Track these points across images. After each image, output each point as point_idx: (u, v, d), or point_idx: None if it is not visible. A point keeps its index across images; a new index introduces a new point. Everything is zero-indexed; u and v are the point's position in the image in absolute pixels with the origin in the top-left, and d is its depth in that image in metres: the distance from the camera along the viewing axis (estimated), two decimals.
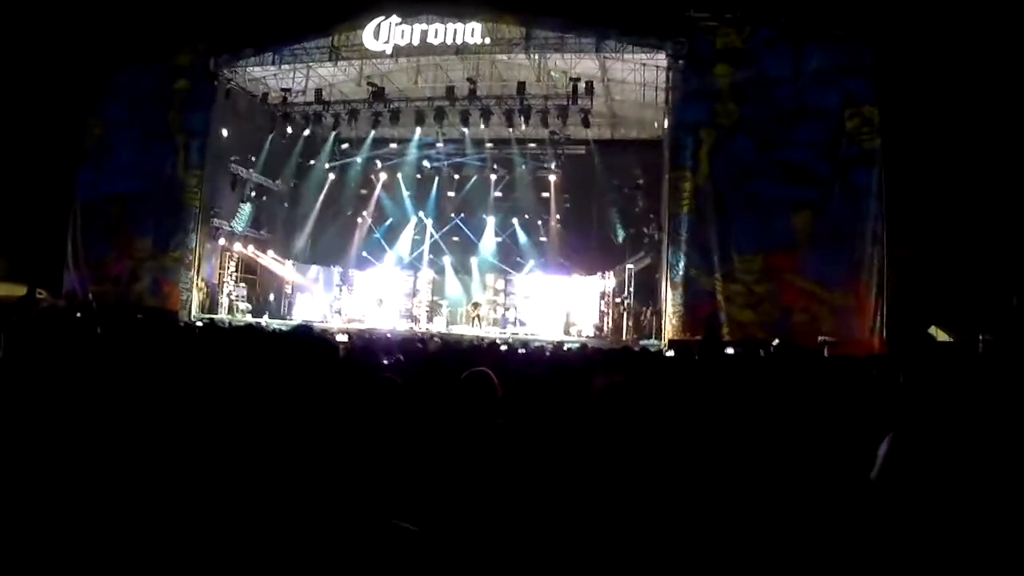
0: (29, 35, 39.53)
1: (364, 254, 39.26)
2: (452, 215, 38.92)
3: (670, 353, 19.19)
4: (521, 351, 17.08)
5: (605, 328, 32.97)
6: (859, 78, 26.27)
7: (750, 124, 26.93)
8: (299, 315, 35.67)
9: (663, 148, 29.82)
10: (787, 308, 25.80)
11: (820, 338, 24.18)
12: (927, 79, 27.55)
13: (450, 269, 38.26)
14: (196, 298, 32.18)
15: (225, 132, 33.68)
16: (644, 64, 30.34)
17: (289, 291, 37.64)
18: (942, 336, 27.71)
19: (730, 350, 21.34)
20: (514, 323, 34.97)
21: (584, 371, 8.47)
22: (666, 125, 29.37)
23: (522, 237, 38.00)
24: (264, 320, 32.21)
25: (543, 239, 37.55)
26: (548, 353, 15.65)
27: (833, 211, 25.78)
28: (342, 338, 15.13)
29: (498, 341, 22.32)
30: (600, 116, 33.75)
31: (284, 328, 18.29)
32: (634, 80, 31.59)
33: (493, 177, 37.69)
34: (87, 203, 34.16)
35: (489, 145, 36.66)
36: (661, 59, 29.30)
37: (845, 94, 26.21)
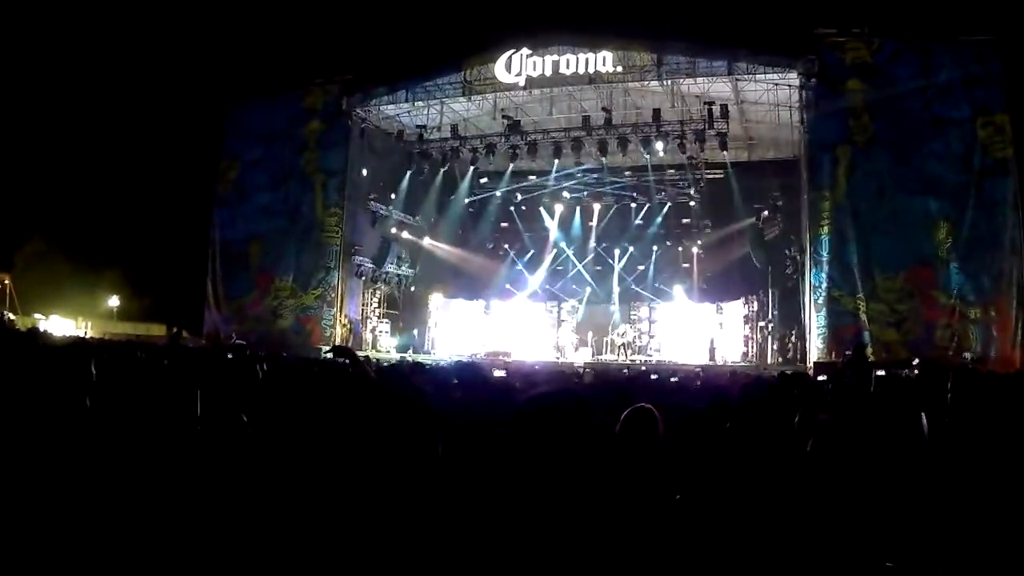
0: (161, 75, 41.47)
1: (507, 286, 39.85)
2: (594, 244, 39.33)
3: (821, 377, 19.20)
4: (673, 379, 17.39)
5: (751, 353, 32.97)
6: (989, 86, 26.39)
7: (884, 138, 27.15)
8: (443, 349, 36.35)
9: (800, 168, 29.84)
10: (930, 324, 25.83)
11: (964, 355, 23.86)
12: None
13: (593, 298, 38.61)
14: (339, 334, 33.23)
15: (363, 171, 35.04)
16: (776, 84, 30.68)
17: (433, 325, 38.40)
18: None
19: (880, 372, 21.12)
20: (659, 351, 35.12)
21: (747, 403, 8.36)
22: (802, 144, 29.45)
23: (664, 265, 38.30)
24: (409, 355, 33.00)
25: (685, 265, 37.83)
26: (699, 382, 15.93)
27: (970, 223, 25.79)
28: (499, 373, 15.35)
29: (646, 369, 22.69)
30: (736, 139, 34.04)
31: (449, 363, 18.92)
32: (767, 100, 32.06)
33: (633, 205, 38.12)
34: (225, 243, 35.81)
35: (628, 173, 37.25)
36: (793, 78, 29.74)
37: (976, 103, 26.27)
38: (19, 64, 42.20)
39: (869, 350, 25.39)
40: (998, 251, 25.51)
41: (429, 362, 22.92)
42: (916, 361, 22.98)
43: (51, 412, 5.05)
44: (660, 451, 5.13)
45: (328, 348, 20.83)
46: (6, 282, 34.15)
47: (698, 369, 24.37)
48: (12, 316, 32.74)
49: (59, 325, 34.70)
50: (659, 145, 32.44)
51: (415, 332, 38.15)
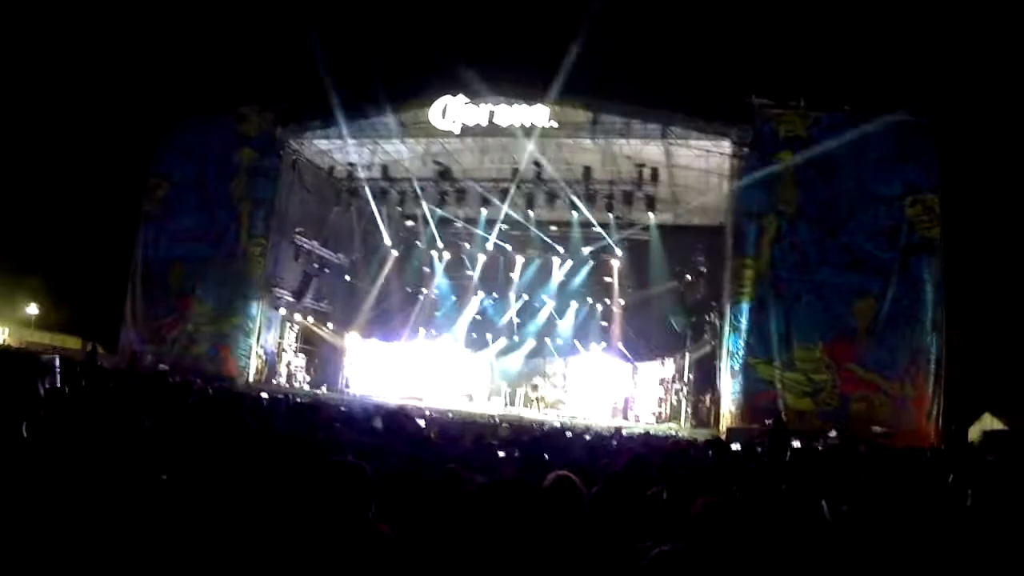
0: (93, 83, 41.14)
1: (424, 331, 39.83)
2: (513, 295, 39.45)
3: (735, 447, 19.50)
4: (586, 437, 17.64)
5: (664, 413, 33.38)
6: (921, 165, 27.00)
7: (812, 211, 27.74)
8: (357, 388, 36.32)
9: (725, 235, 30.42)
10: (845, 396, 26.36)
11: (874, 428, 24.40)
12: (986, 167, 27.98)
13: (509, 349, 38.89)
14: (254, 366, 32.95)
15: (290, 203, 34.98)
16: (708, 151, 31.20)
17: (347, 364, 38.32)
18: (996, 424, 27.85)
19: (796, 443, 21.49)
20: (571, 406, 35.31)
21: (662, 472, 8.43)
22: (729, 212, 29.94)
23: (583, 321, 38.63)
24: (323, 391, 32.93)
25: (604, 323, 38.08)
26: (615, 443, 16.21)
27: (893, 299, 26.40)
28: (421, 422, 15.34)
29: (558, 426, 22.89)
30: (664, 202, 34.50)
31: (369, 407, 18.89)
32: (698, 166, 32.57)
33: (556, 260, 38.26)
34: (147, 262, 35.41)
35: (553, 228, 37.34)
36: (726, 146, 30.27)
37: (907, 181, 26.99)
38: None
39: (783, 417, 25.88)
40: (918, 328, 26.10)
41: (344, 404, 22.89)
42: (833, 433, 23.55)
43: None
44: (586, 520, 5.17)
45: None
46: None
47: (612, 429, 24.57)
48: None
49: None
50: (585, 203, 33.03)
51: (329, 369, 38.16)
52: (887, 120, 27.42)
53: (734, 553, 4.19)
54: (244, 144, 34.63)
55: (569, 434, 18.34)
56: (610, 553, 4.95)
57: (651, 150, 32.04)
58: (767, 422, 24.59)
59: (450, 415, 24.25)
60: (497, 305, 40.00)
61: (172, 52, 44.08)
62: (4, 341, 30.97)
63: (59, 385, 9.68)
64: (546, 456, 9.91)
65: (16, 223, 41.33)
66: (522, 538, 4.11)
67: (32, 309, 43.01)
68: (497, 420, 23.86)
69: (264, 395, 20.53)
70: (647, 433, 22.54)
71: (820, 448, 19.61)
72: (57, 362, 10.03)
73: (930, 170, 27.01)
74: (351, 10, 44.70)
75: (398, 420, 12.50)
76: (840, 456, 15.83)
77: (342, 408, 18.75)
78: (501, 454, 10.60)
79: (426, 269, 40.83)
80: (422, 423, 14.86)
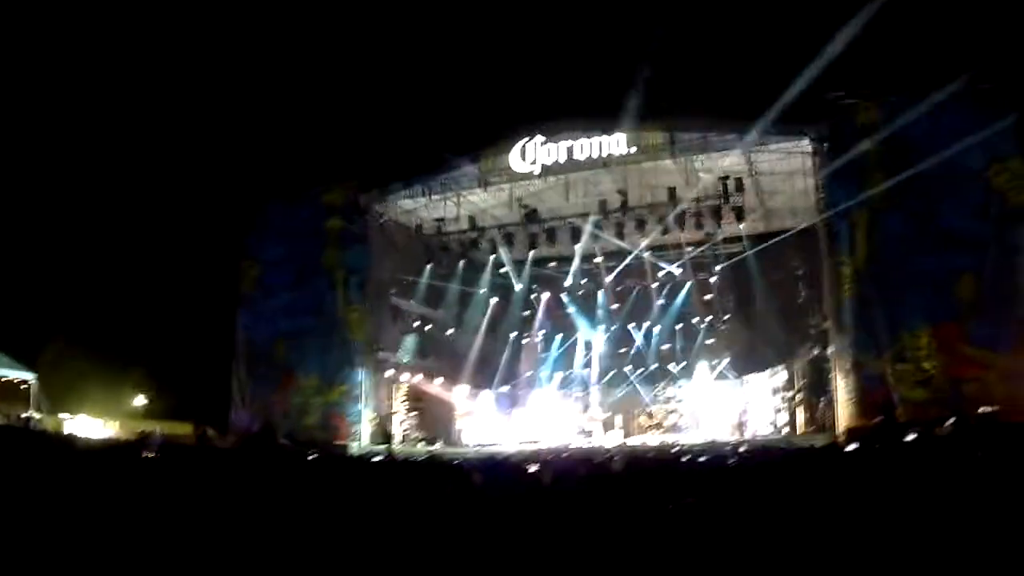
0: (182, 177, 42.21)
1: (532, 374, 39.97)
2: (617, 327, 39.58)
3: (852, 447, 19.15)
4: (702, 459, 17.48)
5: (779, 424, 32.91)
6: (1000, 133, 26.07)
7: (899, 198, 27.07)
8: (471, 440, 36.43)
9: (818, 235, 29.90)
10: (957, 379, 25.49)
11: (983, 409, 23.69)
12: None
13: (619, 380, 38.83)
14: (367, 430, 33.34)
15: (383, 266, 35.42)
16: (789, 152, 31.02)
17: (459, 417, 38.50)
18: None
19: (911, 435, 21.02)
20: (688, 429, 35.05)
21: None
22: (818, 211, 29.56)
23: (688, 341, 38.56)
24: (439, 447, 33.10)
25: (709, 341, 37.83)
26: (732, 461, 16.06)
27: (993, 272, 25.56)
28: (532, 468, 15.35)
29: (675, 451, 22.71)
30: (753, 211, 34.18)
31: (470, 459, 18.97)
32: (781, 170, 32.24)
33: (654, 285, 38.24)
34: (250, 342, 36.02)
35: (647, 254, 37.23)
36: (805, 144, 30.06)
37: (988, 151, 26.14)
38: (43, 164, 43.17)
39: (899, 411, 25.36)
40: (1021, 297, 25.55)
41: (457, 458, 23.03)
42: (951, 420, 22.97)
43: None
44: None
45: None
46: (30, 382, 34.39)
47: (730, 446, 24.32)
48: (37, 416, 32.96)
49: (86, 425, 34.90)
50: (675, 224, 32.91)
51: (443, 424, 38.45)
52: (958, 93, 26.89)
53: None
54: (331, 215, 35.02)
55: (685, 459, 18.18)
56: None
57: (732, 160, 31.77)
58: (876, 419, 24.11)
59: (564, 454, 24.13)
60: (602, 338, 39.91)
61: (251, 138, 45.04)
62: (113, 436, 31.66)
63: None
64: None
65: (115, 317, 42.43)
66: None
67: (139, 400, 43.66)
68: (610, 455, 23.72)
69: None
70: (764, 447, 22.25)
71: (936, 437, 19.15)
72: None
73: (1009, 135, 26.17)
74: (419, 66, 45.44)
75: (500, 470, 12.38)
76: (955, 444, 15.48)
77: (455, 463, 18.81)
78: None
79: (525, 312, 41.04)
80: (534, 468, 14.83)
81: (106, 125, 44.82)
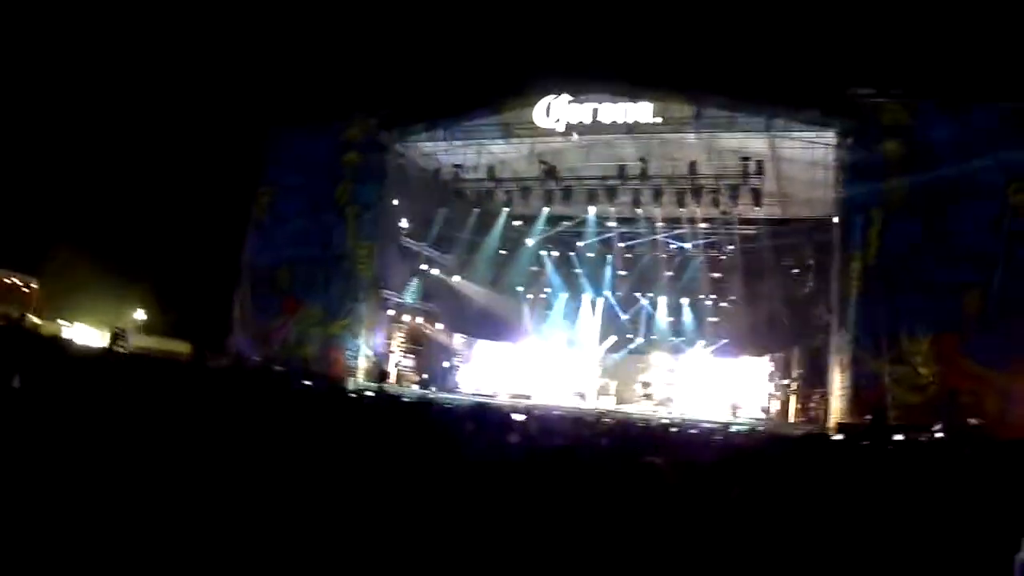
0: (207, 95, 42.13)
1: (534, 330, 40.06)
2: (623, 293, 39.70)
3: (838, 436, 19.32)
4: (692, 431, 17.66)
5: (771, 410, 33.07)
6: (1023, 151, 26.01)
7: (917, 202, 27.13)
8: (465, 387, 36.59)
9: (832, 228, 29.91)
10: (954, 390, 25.57)
11: (970, 420, 23.86)
12: None
13: (618, 346, 39.03)
14: (363, 366, 33.52)
15: (396, 205, 35.31)
16: (813, 143, 30.84)
17: (456, 363, 38.67)
18: None
19: (899, 436, 21.19)
20: (681, 403, 35.15)
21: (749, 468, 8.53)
22: (835, 204, 29.54)
23: (692, 317, 38.66)
24: (432, 392, 33.27)
25: (713, 319, 37.94)
26: (720, 437, 16.24)
27: (999, 289, 25.59)
28: (519, 417, 15.45)
29: (666, 422, 22.87)
30: (770, 195, 34.23)
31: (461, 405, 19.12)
32: (803, 159, 32.13)
33: (664, 256, 38.34)
34: (255, 267, 36.25)
35: (661, 224, 37.26)
36: (829, 137, 29.94)
37: (1010, 169, 26.11)
38: (62, 73, 43.01)
39: (892, 413, 25.51)
40: None
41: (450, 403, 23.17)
42: (937, 427, 23.11)
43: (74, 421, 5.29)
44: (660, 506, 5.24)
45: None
46: (33, 286, 34.56)
47: (719, 425, 24.52)
48: (37, 320, 33.16)
49: (84, 333, 35.26)
50: (692, 198, 32.86)
51: (438, 368, 38.67)
52: (988, 105, 26.82)
53: None
54: (349, 149, 35.07)
55: (674, 430, 18.35)
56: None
57: (755, 143, 31.75)
58: (867, 417, 24.27)
59: (555, 412, 24.28)
60: (607, 303, 40.08)
61: (277, 62, 44.89)
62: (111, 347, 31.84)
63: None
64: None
65: (123, 230, 42.49)
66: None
67: (140, 314, 44.26)
68: (600, 416, 23.89)
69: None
70: (752, 429, 22.40)
71: (924, 441, 19.34)
72: None
73: None
74: (451, 12, 45.14)
75: (488, 417, 12.58)
76: (944, 450, 15.64)
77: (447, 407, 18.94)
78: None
79: (534, 268, 41.12)
80: (522, 417, 14.95)
81: (134, 38, 44.56)
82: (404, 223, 36.06)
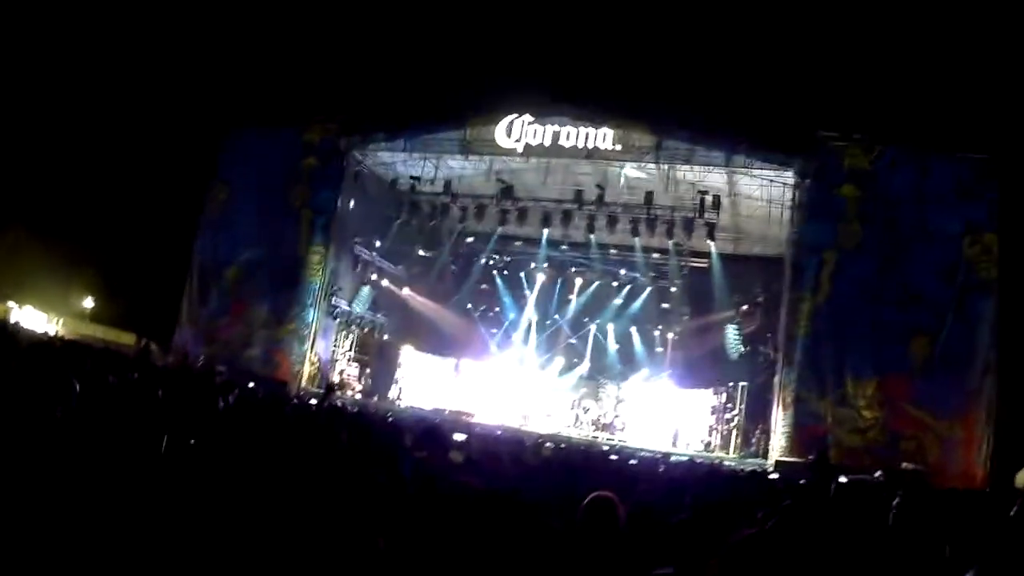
0: (160, 88, 41.86)
1: (481, 347, 40.01)
2: (570, 318, 39.71)
3: (774, 476, 19.40)
4: (632, 462, 17.66)
5: (713, 443, 33.20)
6: (981, 204, 26.73)
7: (872, 246, 27.52)
8: (409, 400, 36.44)
9: (784, 266, 30.16)
10: (896, 434, 25.97)
11: (904, 465, 24.12)
12: None
13: (563, 370, 38.96)
14: (307, 372, 33.26)
15: (351, 213, 35.20)
16: (772, 181, 31.15)
17: (401, 376, 38.49)
18: None
19: (843, 478, 21.25)
20: (622, 430, 35.18)
21: (696, 500, 8.69)
22: (789, 244, 29.81)
23: (639, 345, 38.62)
24: (374, 401, 33.14)
25: (660, 350, 37.95)
26: (662, 468, 16.28)
27: (949, 338, 26.00)
28: (459, 436, 15.32)
29: (606, 448, 22.85)
30: (725, 230, 34.44)
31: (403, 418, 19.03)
32: (760, 196, 32.36)
33: (614, 284, 38.50)
34: (205, 264, 35.96)
35: (613, 252, 37.60)
36: (788, 177, 30.25)
37: (966, 220, 26.64)
38: (20, 58, 42.51)
39: (832, 453, 25.69)
40: (973, 368, 25.74)
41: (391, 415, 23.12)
42: (879, 473, 23.29)
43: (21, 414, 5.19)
44: (621, 541, 5.24)
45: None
46: None
47: (660, 454, 24.59)
48: None
49: (31, 317, 35.02)
50: (646, 228, 33.10)
51: (383, 379, 38.50)
52: (950, 157, 27.28)
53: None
54: (307, 153, 34.93)
55: (614, 457, 18.35)
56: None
57: (714, 177, 32.05)
58: (809, 457, 24.41)
59: (498, 432, 24.20)
60: (555, 326, 40.07)
61: (241, 61, 44.66)
62: (57, 333, 31.39)
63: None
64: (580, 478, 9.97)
65: (75, 214, 42.10)
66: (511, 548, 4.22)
67: (87, 302, 43.88)
68: (542, 440, 23.81)
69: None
70: (692, 460, 22.41)
71: (867, 484, 19.41)
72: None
73: (991, 210, 26.69)
74: (419, 25, 45.21)
75: (431, 437, 12.45)
76: (884, 493, 15.71)
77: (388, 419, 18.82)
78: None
79: (485, 286, 41.07)
80: (461, 438, 14.85)
81: (99, 29, 44.19)
82: (357, 231, 35.91)
